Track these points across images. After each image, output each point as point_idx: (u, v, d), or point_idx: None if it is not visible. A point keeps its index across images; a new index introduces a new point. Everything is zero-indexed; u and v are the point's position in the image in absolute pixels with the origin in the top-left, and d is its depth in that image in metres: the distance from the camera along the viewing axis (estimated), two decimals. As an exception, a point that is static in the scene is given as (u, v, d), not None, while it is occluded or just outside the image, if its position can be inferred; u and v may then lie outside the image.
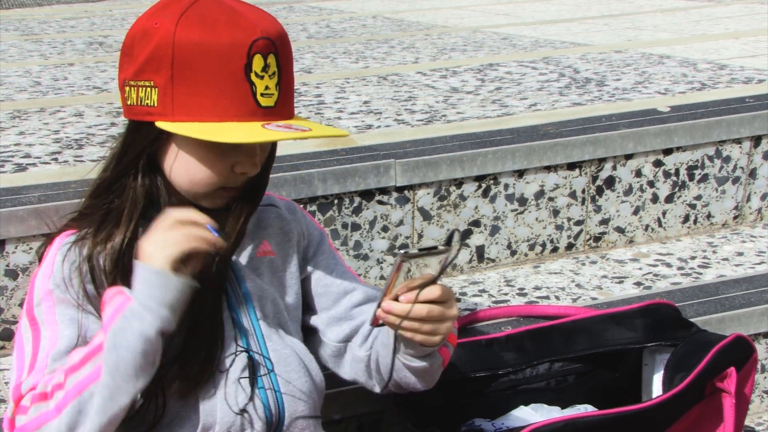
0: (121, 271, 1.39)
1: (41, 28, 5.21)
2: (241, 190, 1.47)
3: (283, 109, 1.40)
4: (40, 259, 1.47)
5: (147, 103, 1.38)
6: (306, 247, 1.61)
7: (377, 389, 1.59)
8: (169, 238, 1.31)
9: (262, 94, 1.36)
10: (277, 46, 1.37)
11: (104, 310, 1.32)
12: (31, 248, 2.02)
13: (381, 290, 1.38)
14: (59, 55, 4.21)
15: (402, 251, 1.31)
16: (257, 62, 1.35)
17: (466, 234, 2.46)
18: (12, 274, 2.03)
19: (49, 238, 1.47)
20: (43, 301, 1.40)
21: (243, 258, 1.51)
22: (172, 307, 1.30)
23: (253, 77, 1.35)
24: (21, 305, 2.04)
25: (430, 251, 1.33)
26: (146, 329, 1.29)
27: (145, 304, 1.29)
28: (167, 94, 1.35)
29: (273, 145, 1.50)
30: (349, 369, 1.61)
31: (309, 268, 1.61)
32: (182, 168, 1.41)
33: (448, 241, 1.34)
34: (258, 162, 1.43)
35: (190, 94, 1.34)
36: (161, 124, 1.37)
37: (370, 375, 1.58)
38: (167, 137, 1.40)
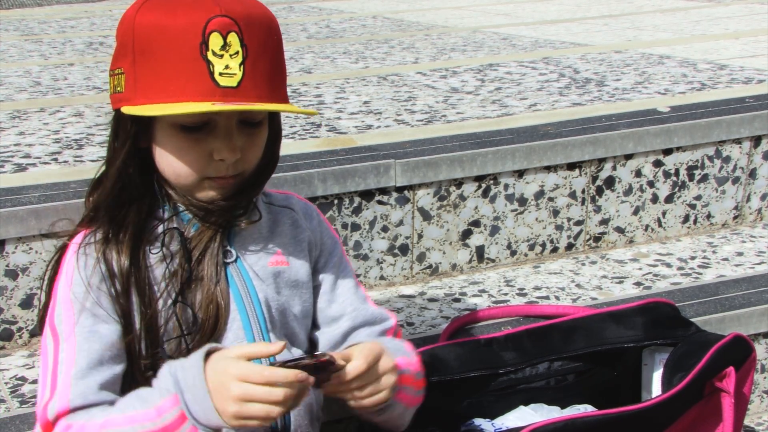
0: (135, 274, 1.40)
1: (41, 28, 5.21)
2: (238, 180, 1.44)
3: (251, 91, 1.34)
4: (57, 266, 1.46)
5: (119, 90, 1.38)
6: (318, 257, 1.58)
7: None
8: (241, 411, 1.25)
9: (221, 74, 1.32)
10: (240, 26, 1.33)
11: (155, 404, 1.29)
12: (31, 248, 2.02)
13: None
14: (59, 55, 4.21)
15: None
16: (214, 40, 1.31)
17: (467, 234, 2.46)
18: (12, 274, 2.03)
19: (62, 246, 1.47)
20: (63, 311, 1.40)
21: (256, 267, 1.49)
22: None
23: (210, 56, 1.31)
24: (21, 305, 2.05)
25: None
26: None
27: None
28: (131, 78, 1.35)
29: (275, 126, 1.48)
30: None
31: (318, 279, 1.59)
32: (165, 161, 1.41)
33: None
34: (236, 147, 1.39)
35: (150, 75, 1.33)
36: (125, 109, 1.36)
37: None
38: (151, 132, 1.40)
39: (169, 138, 1.38)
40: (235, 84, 1.33)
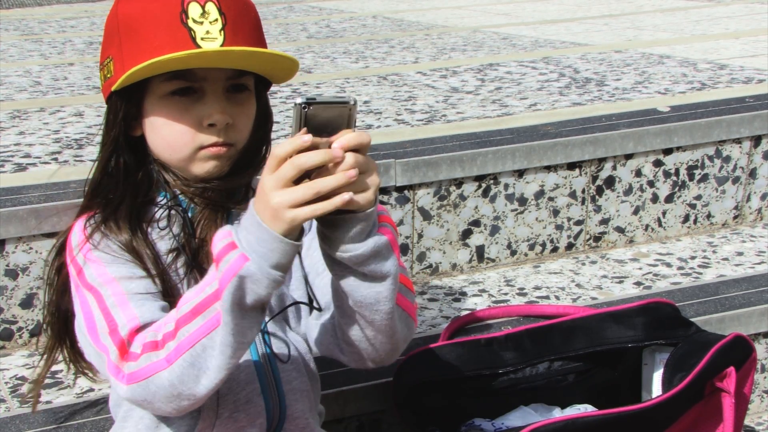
0: (138, 248, 1.42)
1: (41, 28, 5.21)
2: (232, 152, 1.44)
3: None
4: (63, 247, 1.48)
5: (108, 77, 1.43)
6: (307, 233, 1.58)
7: (343, 357, 1.45)
8: (294, 195, 1.21)
9: (202, 38, 1.37)
10: None
11: (214, 254, 1.25)
12: (31, 248, 2.02)
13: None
14: (59, 55, 4.22)
15: (302, 99, 1.16)
16: (193, 9, 1.38)
17: (467, 234, 2.46)
18: (12, 274, 2.03)
19: (66, 231, 1.49)
20: (93, 267, 1.41)
21: None
22: (286, 269, 1.24)
23: (190, 23, 1.37)
24: (21, 305, 2.04)
25: (331, 102, 1.18)
26: (262, 294, 1.24)
27: (265, 270, 1.22)
28: (119, 60, 1.40)
29: (263, 108, 1.50)
30: (318, 339, 1.50)
31: (306, 243, 1.53)
32: (157, 136, 1.43)
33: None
34: (225, 110, 1.41)
35: (136, 51, 1.38)
36: (114, 87, 1.39)
37: (337, 343, 1.46)
38: (141, 111, 1.42)
39: (159, 109, 1.41)
40: (217, 47, 1.38)
